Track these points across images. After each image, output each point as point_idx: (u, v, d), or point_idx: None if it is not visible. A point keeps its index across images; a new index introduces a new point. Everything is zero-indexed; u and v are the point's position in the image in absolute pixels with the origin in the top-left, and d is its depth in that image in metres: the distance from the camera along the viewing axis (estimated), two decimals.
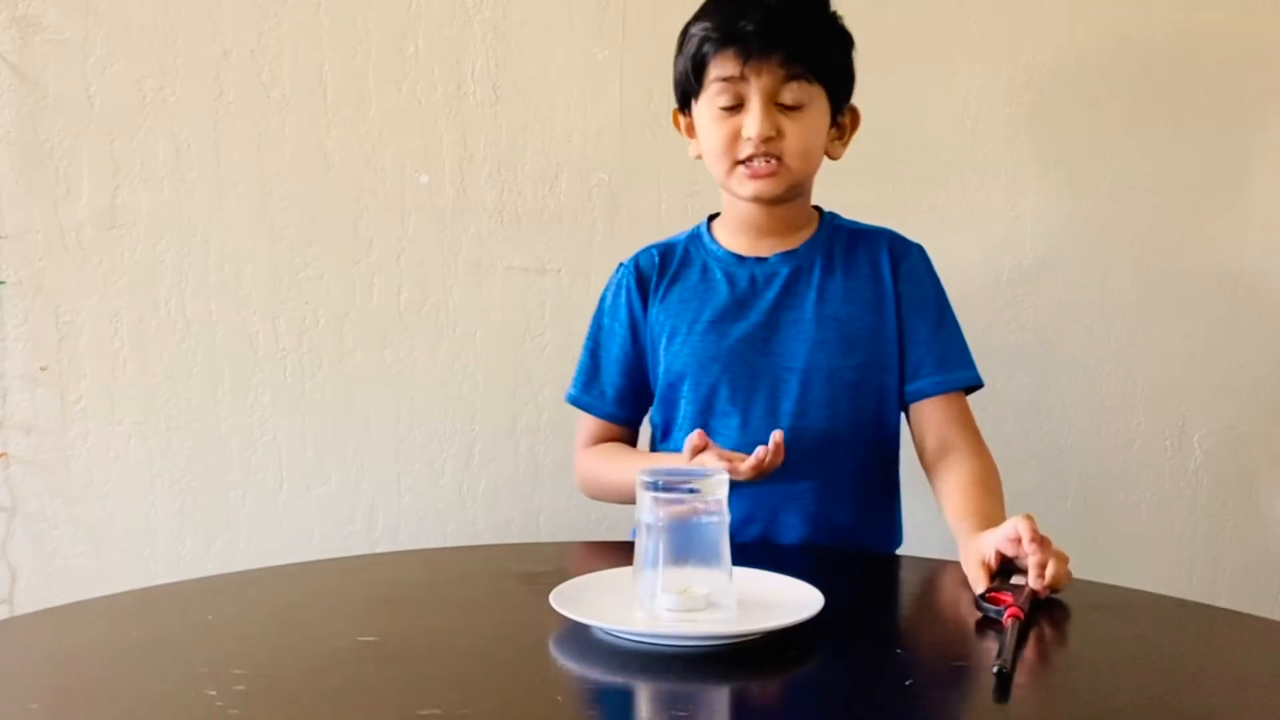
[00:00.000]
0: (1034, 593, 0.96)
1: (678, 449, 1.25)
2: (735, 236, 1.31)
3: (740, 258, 1.30)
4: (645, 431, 1.39)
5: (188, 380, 1.65)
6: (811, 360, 1.25)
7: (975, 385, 1.30)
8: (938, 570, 1.09)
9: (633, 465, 1.22)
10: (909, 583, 1.13)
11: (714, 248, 1.32)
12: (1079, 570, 1.02)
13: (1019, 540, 1.00)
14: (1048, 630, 0.94)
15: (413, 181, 1.65)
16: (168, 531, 1.67)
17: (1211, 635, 0.97)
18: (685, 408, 1.29)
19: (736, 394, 1.26)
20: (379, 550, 1.64)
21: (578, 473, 1.38)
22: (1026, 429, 1.69)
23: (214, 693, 0.79)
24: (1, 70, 1.60)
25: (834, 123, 1.28)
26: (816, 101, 1.23)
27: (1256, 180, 1.66)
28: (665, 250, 1.34)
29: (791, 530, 1.24)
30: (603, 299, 1.37)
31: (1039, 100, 1.65)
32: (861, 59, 1.68)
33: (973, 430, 1.28)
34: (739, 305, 1.28)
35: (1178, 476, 1.70)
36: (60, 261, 1.63)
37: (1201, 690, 0.83)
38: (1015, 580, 0.99)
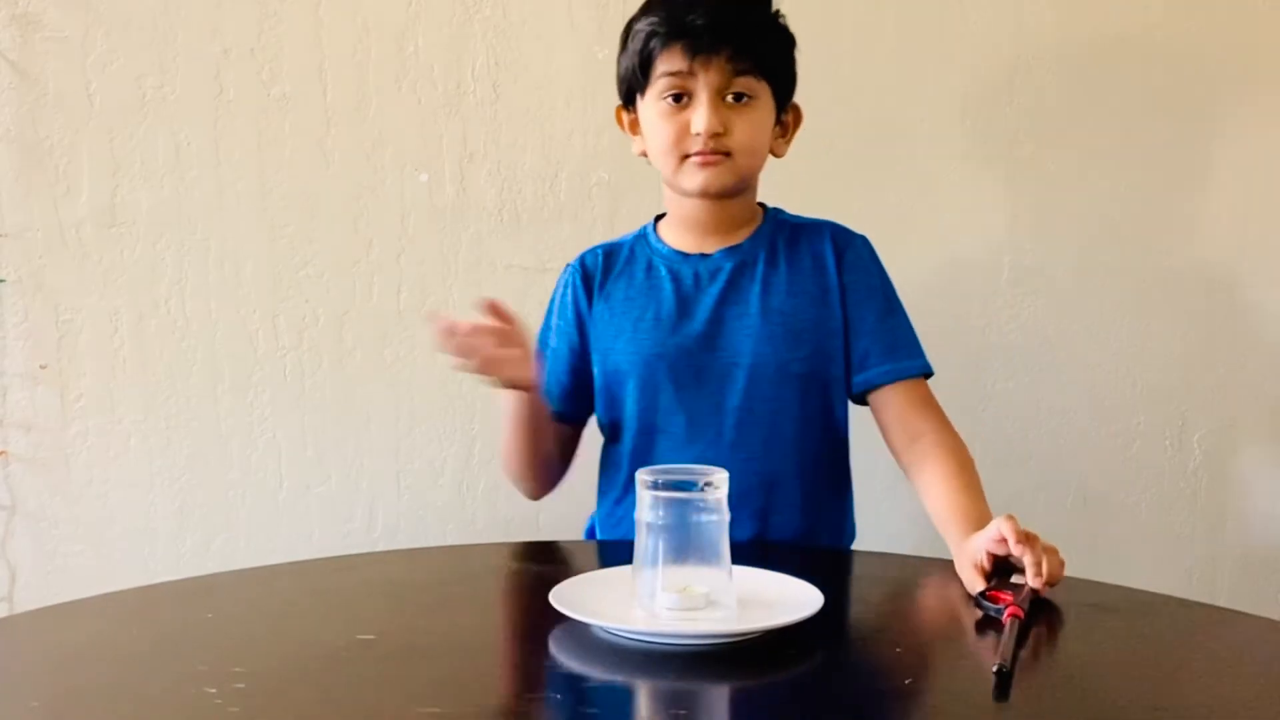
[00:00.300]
0: (1034, 591, 0.96)
1: (629, 450, 1.29)
2: (681, 234, 1.31)
3: (684, 255, 1.30)
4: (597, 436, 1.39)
5: (187, 379, 1.65)
6: (758, 354, 1.25)
7: (925, 374, 1.28)
8: (937, 569, 1.09)
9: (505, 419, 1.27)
10: (908, 581, 1.13)
11: (659, 246, 1.32)
12: (1078, 570, 1.02)
13: (1005, 540, 1.00)
14: (1047, 629, 0.94)
15: (413, 180, 1.65)
16: (167, 530, 1.67)
17: (1211, 634, 0.97)
18: (631, 406, 1.28)
19: (682, 392, 1.26)
20: (379, 549, 1.64)
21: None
22: (1026, 428, 1.69)
23: (214, 690, 0.79)
24: (1, 68, 1.60)
25: (778, 120, 1.28)
26: (762, 98, 1.24)
27: (1257, 180, 1.66)
28: (611, 250, 1.34)
29: (740, 525, 1.23)
30: (551, 298, 1.37)
31: (1039, 100, 1.65)
32: (861, 58, 1.68)
33: (936, 411, 1.26)
34: (683, 303, 1.28)
35: (1177, 476, 1.70)
36: (60, 259, 1.63)
37: (1201, 689, 0.83)
38: (1015, 580, 0.99)
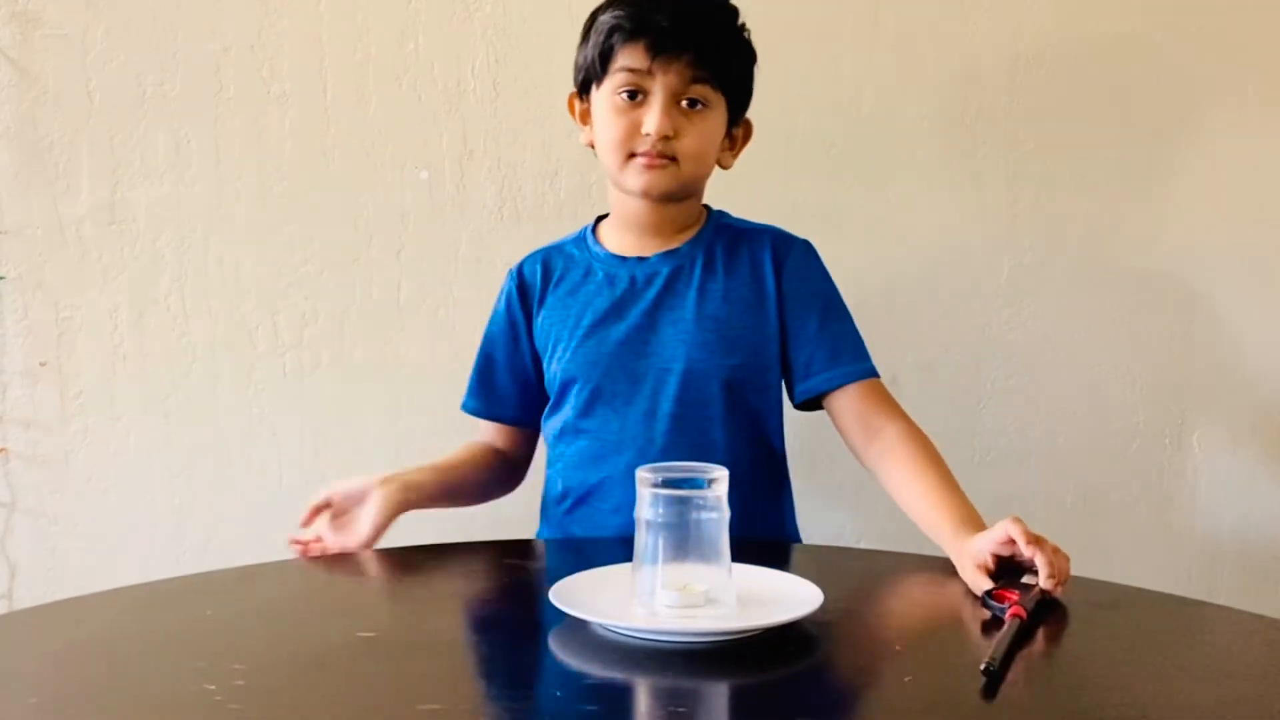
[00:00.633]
0: (1043, 592, 0.96)
1: (565, 456, 1.30)
2: (621, 236, 1.31)
3: (622, 258, 1.30)
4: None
5: (187, 376, 1.65)
6: (691, 359, 1.24)
7: (870, 377, 1.26)
8: (937, 567, 1.09)
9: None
10: (908, 579, 1.13)
11: (597, 249, 1.31)
12: (1077, 568, 1.02)
13: (1012, 542, 1.00)
14: (1046, 628, 0.94)
15: (413, 178, 1.65)
16: (167, 527, 1.67)
17: (1210, 633, 0.97)
18: (569, 413, 1.28)
19: (616, 398, 1.26)
20: (378, 546, 1.63)
21: None
22: (1025, 427, 1.69)
23: (213, 687, 0.79)
24: (1, 65, 1.60)
25: (728, 132, 1.28)
26: (716, 108, 1.23)
27: (1256, 179, 1.66)
28: (548, 256, 1.34)
29: None
30: (495, 308, 1.37)
31: (1039, 98, 1.65)
32: (860, 57, 1.68)
33: (893, 406, 1.24)
34: (618, 307, 1.27)
35: (1176, 475, 1.70)
36: (60, 257, 1.63)
37: (1200, 688, 0.83)
38: (1025, 580, 0.99)
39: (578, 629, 0.90)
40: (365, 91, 1.64)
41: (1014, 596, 0.95)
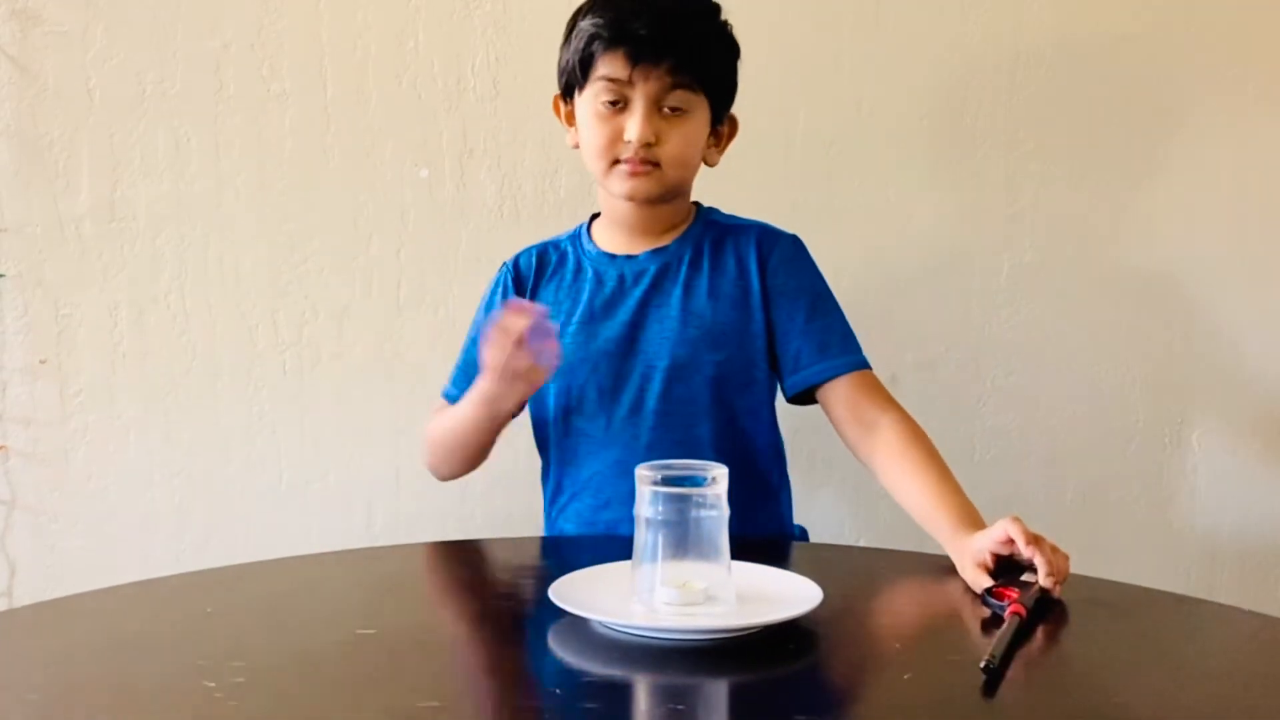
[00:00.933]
0: (1043, 590, 0.96)
1: (553, 453, 1.30)
2: (611, 235, 1.32)
3: (611, 256, 1.30)
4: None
5: (187, 374, 1.65)
6: (675, 356, 1.25)
7: (861, 368, 1.26)
8: (936, 565, 1.09)
9: (456, 406, 1.27)
10: (908, 577, 1.13)
11: (589, 247, 1.32)
12: (1077, 566, 1.02)
13: (1011, 541, 1.01)
14: (1046, 626, 0.94)
15: (412, 176, 1.65)
16: (166, 524, 1.67)
17: (1209, 631, 0.97)
18: (556, 409, 1.29)
19: (603, 395, 1.26)
20: (378, 544, 1.64)
21: (422, 448, 1.37)
22: (1025, 426, 1.69)
23: (212, 684, 0.79)
24: (1, 63, 1.60)
25: (713, 130, 1.28)
26: (698, 110, 1.23)
27: (1255, 178, 1.66)
28: (544, 250, 1.35)
29: None
30: (484, 299, 1.37)
31: (1038, 98, 1.65)
32: (860, 56, 1.68)
33: (887, 398, 1.24)
34: (607, 305, 1.28)
35: (1176, 473, 1.70)
36: (60, 255, 1.63)
37: (1199, 686, 0.83)
38: (1025, 578, 0.99)
39: (577, 626, 0.90)
40: (365, 90, 1.64)
41: (1013, 594, 0.95)
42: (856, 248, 1.66)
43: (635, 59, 1.18)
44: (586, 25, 1.22)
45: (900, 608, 1.06)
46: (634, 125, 1.20)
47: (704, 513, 0.90)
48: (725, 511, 0.92)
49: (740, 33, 1.27)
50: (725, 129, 1.30)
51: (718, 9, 1.25)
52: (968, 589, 1.02)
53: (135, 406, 1.65)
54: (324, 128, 1.64)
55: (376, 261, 1.66)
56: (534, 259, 1.34)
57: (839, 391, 1.25)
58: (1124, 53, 1.65)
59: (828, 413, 1.27)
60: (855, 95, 1.65)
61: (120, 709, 0.78)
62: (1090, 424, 1.70)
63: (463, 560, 1.21)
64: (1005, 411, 1.69)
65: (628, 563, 0.93)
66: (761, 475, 1.32)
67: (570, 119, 1.29)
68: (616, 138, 1.21)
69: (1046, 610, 0.96)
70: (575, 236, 1.35)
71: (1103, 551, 1.66)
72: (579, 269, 1.31)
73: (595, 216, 1.36)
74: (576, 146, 1.29)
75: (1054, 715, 0.77)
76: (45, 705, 0.78)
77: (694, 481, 0.91)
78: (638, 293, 1.28)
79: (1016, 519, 1.02)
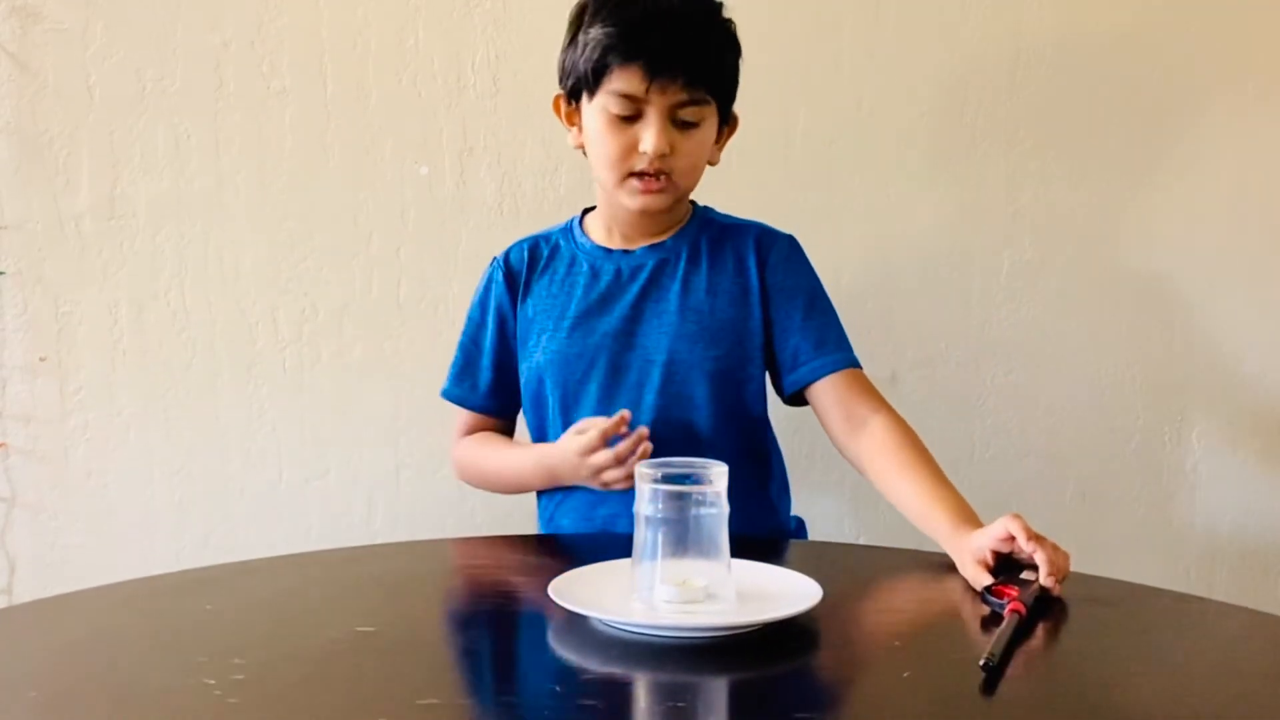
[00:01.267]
0: (1043, 588, 0.96)
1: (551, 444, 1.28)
2: (608, 231, 1.31)
3: (608, 251, 1.30)
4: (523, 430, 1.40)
5: (187, 371, 1.65)
6: (674, 351, 1.25)
7: (853, 367, 1.27)
8: (936, 563, 1.09)
9: (512, 455, 1.30)
10: (907, 575, 1.13)
11: (583, 241, 1.32)
12: (1077, 564, 1.02)
13: (1012, 539, 1.01)
14: (1046, 624, 0.94)
15: (413, 173, 1.65)
16: (166, 522, 1.67)
17: (1209, 629, 0.97)
18: (553, 405, 1.29)
19: (602, 390, 1.26)
20: (378, 541, 1.64)
21: (455, 462, 1.38)
22: (1025, 424, 1.69)
23: (213, 682, 0.79)
24: (1, 60, 1.60)
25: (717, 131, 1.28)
26: (709, 119, 1.24)
27: (1255, 177, 1.66)
28: (534, 245, 1.35)
29: None
30: (476, 293, 1.37)
31: (1038, 96, 1.65)
32: (859, 56, 1.68)
33: (876, 397, 1.25)
34: (604, 300, 1.28)
35: (1176, 471, 1.70)
36: (60, 252, 1.63)
37: (1198, 684, 0.83)
38: (1025, 576, 0.99)
39: (577, 624, 0.90)
40: (365, 87, 1.64)
41: (1013, 592, 0.95)
42: (856, 247, 1.66)
43: (651, 74, 1.17)
44: (598, 34, 1.20)
45: (900, 605, 1.06)
46: (649, 138, 1.19)
47: (704, 510, 0.90)
48: (725, 509, 0.92)
49: (740, 32, 1.27)
50: (726, 128, 1.30)
51: (720, 7, 1.25)
52: (967, 587, 1.02)
53: (135, 404, 1.65)
54: (324, 125, 1.64)
55: (376, 259, 1.66)
56: (525, 253, 1.34)
57: (830, 388, 1.25)
58: (1124, 52, 1.65)
59: (816, 409, 1.28)
60: (855, 95, 1.65)
61: (120, 706, 0.78)
62: (1090, 423, 1.70)
63: (463, 557, 1.21)
64: (1005, 410, 1.69)
65: (627, 560, 0.93)
66: (758, 470, 1.32)
67: (572, 119, 1.29)
68: (630, 149, 1.21)
69: (1046, 608, 0.96)
70: (567, 230, 1.35)
71: (1102, 550, 1.67)
72: (573, 263, 1.31)
73: (587, 211, 1.35)
74: (578, 147, 1.28)
75: (1053, 713, 0.77)
76: (45, 702, 0.78)
77: (694, 479, 0.91)
78: (635, 288, 1.28)
79: (1017, 516, 1.02)
